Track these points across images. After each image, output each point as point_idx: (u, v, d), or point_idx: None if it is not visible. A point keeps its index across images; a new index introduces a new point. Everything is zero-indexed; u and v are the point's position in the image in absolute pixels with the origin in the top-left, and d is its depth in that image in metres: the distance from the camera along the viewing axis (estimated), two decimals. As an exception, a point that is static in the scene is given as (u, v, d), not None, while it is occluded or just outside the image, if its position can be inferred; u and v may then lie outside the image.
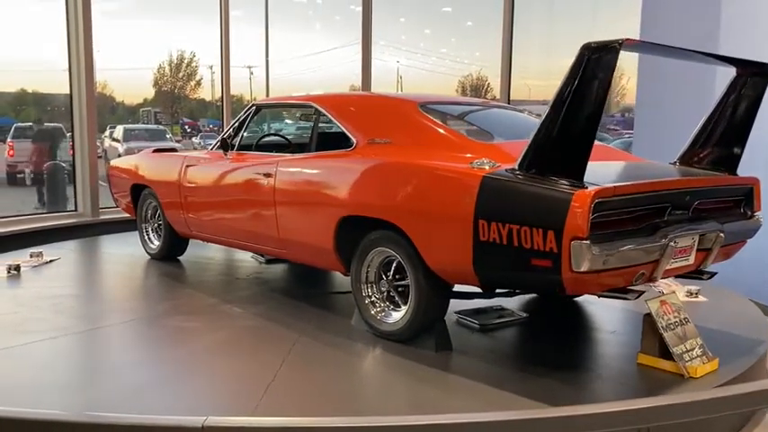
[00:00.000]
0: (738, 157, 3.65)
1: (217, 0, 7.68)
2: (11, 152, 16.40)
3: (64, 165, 9.53)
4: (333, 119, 4.15)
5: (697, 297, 4.54)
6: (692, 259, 3.27)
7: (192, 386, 3.14)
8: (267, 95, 21.39)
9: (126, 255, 5.86)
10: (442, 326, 3.57)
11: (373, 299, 3.73)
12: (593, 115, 2.79)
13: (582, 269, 2.74)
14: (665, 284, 4.50)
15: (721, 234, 3.32)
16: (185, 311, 4.23)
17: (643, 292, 3.10)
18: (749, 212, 3.66)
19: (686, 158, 3.77)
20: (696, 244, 3.24)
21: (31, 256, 5.52)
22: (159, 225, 5.64)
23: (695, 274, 3.55)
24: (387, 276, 3.67)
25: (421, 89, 30.14)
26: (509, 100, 8.36)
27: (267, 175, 4.29)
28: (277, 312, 4.19)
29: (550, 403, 2.84)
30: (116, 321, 4.06)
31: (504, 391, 3.01)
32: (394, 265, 3.60)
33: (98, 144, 20.78)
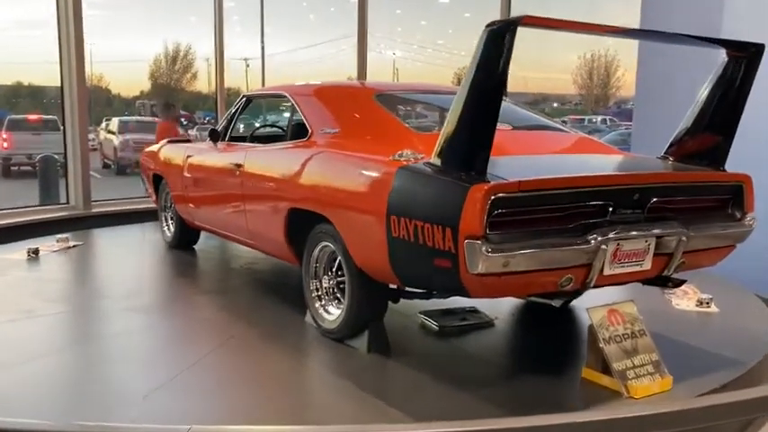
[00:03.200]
0: (726, 150, 3.25)
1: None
2: (4, 144, 16.32)
3: (57, 157, 9.44)
4: (297, 108, 4.11)
5: (709, 307, 4.10)
6: (647, 264, 2.94)
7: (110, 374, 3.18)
8: (263, 87, 21.27)
9: (129, 243, 6.05)
10: (378, 326, 3.37)
11: (319, 294, 3.63)
12: (492, 99, 2.60)
13: (478, 271, 2.52)
14: (681, 291, 4.06)
15: (684, 238, 2.95)
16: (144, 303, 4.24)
17: (571, 297, 2.92)
18: (738, 214, 3.22)
19: (672, 151, 3.42)
20: (652, 248, 2.91)
21: (58, 241, 5.72)
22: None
23: (660, 281, 3.18)
24: (331, 272, 3.56)
25: (415, 80, 29.98)
26: (506, 92, 8.27)
27: (238, 166, 4.31)
28: (240, 305, 4.20)
29: (490, 413, 2.66)
30: (61, 310, 4.13)
31: (440, 398, 2.85)
32: (337, 260, 3.48)
33: (93, 136, 20.71)
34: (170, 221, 5.78)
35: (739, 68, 3.13)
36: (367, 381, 3.04)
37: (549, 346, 3.62)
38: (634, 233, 2.84)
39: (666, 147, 3.43)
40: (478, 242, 2.49)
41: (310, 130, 3.86)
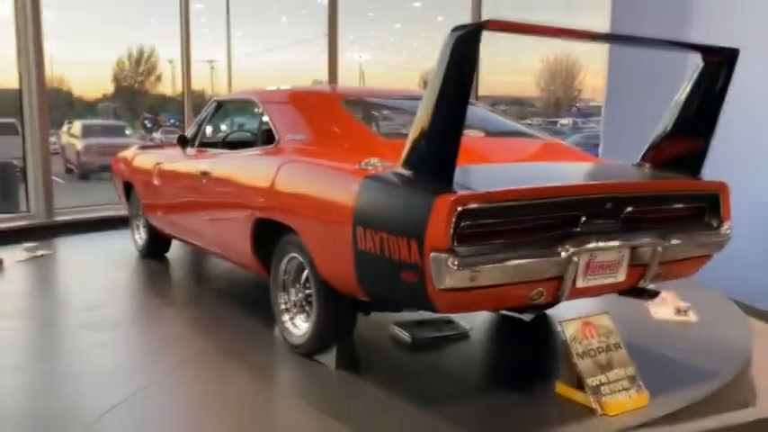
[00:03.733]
0: (702, 157, 3.18)
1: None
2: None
3: (15, 162, 9.14)
4: (265, 114, 4.01)
5: (686, 315, 4.05)
6: (621, 276, 2.87)
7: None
8: (229, 90, 21.04)
9: (96, 253, 5.84)
10: (346, 340, 3.26)
11: (287, 307, 3.49)
12: (458, 105, 2.50)
13: (445, 286, 2.42)
14: (660, 298, 3.89)
15: (659, 248, 2.89)
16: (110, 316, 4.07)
17: (542, 310, 2.85)
18: (714, 222, 3.15)
19: (648, 158, 3.34)
20: (626, 259, 2.85)
21: (25, 250, 5.57)
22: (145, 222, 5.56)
23: (634, 292, 3.10)
24: (299, 284, 3.42)
25: (383, 83, 30.04)
26: (476, 96, 8.27)
27: (204, 173, 4.20)
28: (208, 318, 4.08)
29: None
30: (20, 325, 3.98)
31: (409, 417, 2.76)
32: (305, 272, 3.35)
33: (54, 140, 20.23)
34: (141, 229, 5.62)
35: (715, 73, 3.09)
36: (334, 400, 2.95)
37: (524, 360, 3.52)
38: (607, 244, 2.76)
39: (642, 153, 3.36)
40: (444, 255, 2.39)
41: (278, 137, 3.76)
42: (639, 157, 3.37)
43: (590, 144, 15.42)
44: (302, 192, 3.27)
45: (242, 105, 5.61)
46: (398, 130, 3.78)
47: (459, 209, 2.42)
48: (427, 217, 2.44)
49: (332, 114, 3.69)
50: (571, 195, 2.74)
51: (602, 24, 6.58)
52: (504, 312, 2.84)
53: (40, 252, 5.60)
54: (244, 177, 3.81)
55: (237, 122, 11.21)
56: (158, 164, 5.02)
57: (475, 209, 2.46)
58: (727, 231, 3.17)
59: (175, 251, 5.55)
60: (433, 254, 2.41)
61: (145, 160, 5.33)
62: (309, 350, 3.31)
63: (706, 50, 3.08)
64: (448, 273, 2.39)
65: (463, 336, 3.69)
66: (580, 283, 2.75)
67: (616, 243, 2.79)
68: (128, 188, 5.71)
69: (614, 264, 2.82)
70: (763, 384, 3.51)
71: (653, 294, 3.14)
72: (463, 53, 2.43)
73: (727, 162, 3.92)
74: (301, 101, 4.02)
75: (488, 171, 3.02)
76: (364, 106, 3.95)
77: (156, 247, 5.48)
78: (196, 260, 5.57)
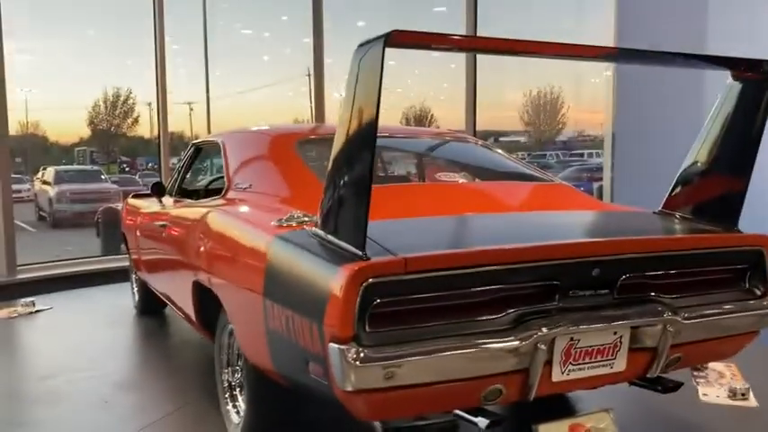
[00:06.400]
0: (738, 203, 2.49)
1: (152, 34, 7.08)
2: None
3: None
4: (222, 158, 3.50)
5: (745, 399, 3.16)
6: (620, 364, 2.20)
7: None
8: (209, 132, 20.64)
9: (91, 311, 5.38)
10: None
11: (232, 388, 2.90)
12: (364, 136, 1.90)
13: (349, 387, 1.81)
14: (714, 371, 3.38)
15: (670, 328, 2.19)
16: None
17: (500, 419, 2.09)
18: (758, 289, 2.44)
19: (671, 205, 2.70)
20: (626, 342, 2.17)
21: (22, 306, 5.39)
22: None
23: (646, 383, 2.46)
24: (239, 363, 2.79)
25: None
26: (474, 132, 7.90)
27: (163, 227, 3.78)
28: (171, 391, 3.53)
29: None
30: None
31: None
32: None
33: (28, 186, 19.56)
34: (135, 284, 5.20)
35: (750, 94, 2.42)
36: None
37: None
38: (592, 324, 2.08)
39: (665, 198, 2.73)
40: (346, 347, 1.78)
41: (226, 185, 3.26)
42: (662, 203, 2.73)
43: (584, 179, 15.22)
44: (220, 252, 2.79)
45: (214, 149, 5.19)
46: (385, 175, 3.39)
47: (368, 281, 1.79)
48: (326, 294, 1.85)
49: (278, 157, 3.11)
50: (537, 260, 2.04)
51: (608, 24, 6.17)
52: (458, 413, 2.13)
53: (36, 308, 5.33)
54: (184, 232, 3.36)
55: (216, 168, 10.71)
56: (139, 214, 4.63)
57: (389, 281, 1.82)
58: None
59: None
60: (331, 344, 1.80)
61: (131, 210, 4.97)
62: None
63: (734, 64, 2.40)
64: (351, 369, 1.77)
65: (451, 425, 2.47)
66: (558, 376, 2.09)
67: (606, 323, 2.11)
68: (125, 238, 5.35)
69: (608, 349, 2.16)
70: None
71: (673, 387, 2.48)
72: (367, 74, 1.89)
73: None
74: (254, 142, 3.48)
75: (435, 227, 2.38)
76: (323, 147, 3.41)
77: (149, 303, 4.95)
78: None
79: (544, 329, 1.99)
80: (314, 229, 2.16)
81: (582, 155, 23.92)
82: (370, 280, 1.80)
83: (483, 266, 1.94)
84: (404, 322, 1.89)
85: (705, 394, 3.29)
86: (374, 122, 1.84)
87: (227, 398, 2.88)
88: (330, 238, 2.03)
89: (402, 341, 1.84)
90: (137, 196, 5.27)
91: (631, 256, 2.21)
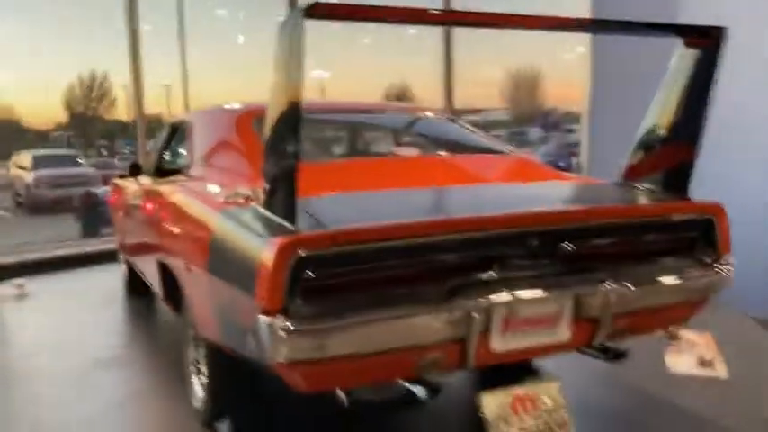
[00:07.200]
0: (688, 171, 2.47)
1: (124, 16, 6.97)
2: None
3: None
4: (188, 136, 3.50)
5: (712, 368, 3.19)
6: (564, 333, 2.18)
7: None
8: (186, 112, 20.36)
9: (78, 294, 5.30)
10: (242, 409, 2.72)
11: (198, 364, 2.90)
12: (291, 111, 1.89)
13: (284, 359, 1.83)
14: (687, 340, 3.36)
15: (613, 296, 2.17)
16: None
17: (438, 387, 2.11)
18: (707, 257, 2.42)
19: (629, 174, 2.67)
20: (568, 310, 2.16)
21: (12, 286, 5.37)
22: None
23: (595, 351, 2.44)
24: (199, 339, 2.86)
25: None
26: (452, 110, 7.91)
27: (135, 206, 3.86)
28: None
29: None
30: None
31: None
32: None
33: (3, 172, 19.28)
34: (123, 264, 5.18)
35: (699, 61, 2.39)
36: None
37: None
38: (529, 293, 2.07)
39: (624, 169, 2.69)
40: (275, 319, 1.80)
41: (190, 162, 3.27)
42: (622, 173, 2.70)
43: (564, 154, 15.30)
44: (174, 228, 2.83)
45: (186, 127, 5.21)
46: (317, 151, 3.30)
47: (296, 256, 1.80)
48: (256, 268, 1.87)
49: (237, 134, 3.06)
50: (467, 232, 2.02)
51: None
52: (404, 383, 2.13)
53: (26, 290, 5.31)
54: (149, 211, 3.41)
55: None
56: (121, 194, 4.63)
57: (322, 254, 1.83)
58: (727, 268, 2.41)
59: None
60: (261, 317, 1.82)
61: (114, 190, 4.98)
62: (206, 418, 2.75)
63: (686, 32, 2.40)
64: (282, 342, 1.79)
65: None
66: (498, 346, 2.09)
67: (543, 292, 2.09)
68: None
69: (550, 318, 2.14)
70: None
71: (619, 355, 2.46)
72: (288, 45, 1.88)
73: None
74: (212, 120, 3.46)
75: (376, 201, 2.35)
76: None
77: (136, 283, 4.87)
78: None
79: (478, 299, 1.99)
80: (254, 204, 2.18)
81: (568, 130, 23.99)
82: (300, 253, 1.81)
83: (412, 239, 1.94)
84: (339, 294, 1.89)
85: (675, 363, 3.29)
86: (298, 96, 1.86)
87: (192, 372, 2.92)
88: (266, 213, 2.05)
89: (336, 313, 1.85)
90: (123, 177, 5.27)
91: (569, 227, 2.19)
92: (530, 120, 32.76)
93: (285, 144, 1.92)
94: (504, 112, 35.30)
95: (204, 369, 2.71)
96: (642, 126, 2.60)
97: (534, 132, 27.04)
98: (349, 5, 1.83)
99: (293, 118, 1.88)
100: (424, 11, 2.08)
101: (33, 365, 3.69)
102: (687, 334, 3.51)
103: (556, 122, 27.45)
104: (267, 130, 2.00)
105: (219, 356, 2.52)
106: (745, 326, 3.88)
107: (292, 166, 1.89)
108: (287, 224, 1.91)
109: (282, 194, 1.95)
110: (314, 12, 1.77)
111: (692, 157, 2.44)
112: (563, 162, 13.79)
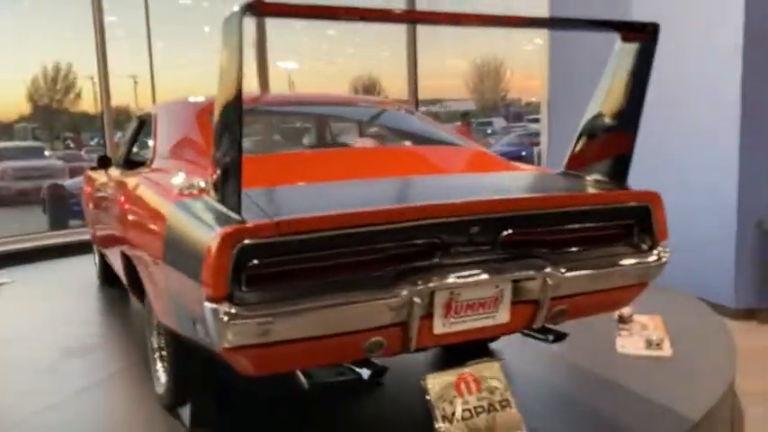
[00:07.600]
0: (626, 161, 2.61)
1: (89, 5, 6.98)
2: None
3: None
4: (152, 128, 3.59)
5: (660, 349, 3.29)
6: (503, 316, 2.27)
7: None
8: (153, 104, 20.20)
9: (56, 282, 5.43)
10: (203, 394, 2.77)
11: (161, 351, 3.00)
12: (233, 103, 1.98)
13: (225, 344, 1.93)
14: (637, 323, 3.51)
15: (550, 281, 2.28)
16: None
17: (382, 369, 2.25)
18: (644, 244, 2.55)
19: (572, 164, 2.79)
20: (507, 295, 2.26)
21: None
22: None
23: (536, 334, 2.59)
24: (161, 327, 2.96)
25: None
26: (417, 102, 8.07)
27: (102, 198, 3.97)
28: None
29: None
30: None
31: None
32: None
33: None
34: (96, 255, 5.25)
35: (635, 56, 2.53)
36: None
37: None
38: (469, 278, 2.16)
39: (566, 159, 2.82)
40: (218, 305, 1.89)
41: (153, 154, 3.36)
42: (565, 163, 2.82)
43: (526, 144, 15.50)
44: (133, 218, 2.96)
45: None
46: (272, 145, 3.43)
47: (242, 243, 1.89)
48: (202, 257, 1.96)
49: (193, 128, 3.16)
50: (408, 220, 2.10)
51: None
52: (348, 366, 2.29)
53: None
54: (113, 202, 3.52)
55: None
56: (91, 186, 4.72)
57: (266, 243, 1.92)
58: (663, 255, 2.54)
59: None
60: (205, 303, 1.91)
61: (87, 182, 5.03)
62: (168, 403, 2.84)
63: (623, 27, 2.54)
64: (223, 327, 1.88)
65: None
66: (440, 329, 2.18)
67: (483, 276, 2.19)
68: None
69: (490, 302, 2.23)
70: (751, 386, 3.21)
71: (558, 337, 2.61)
72: (231, 41, 1.96)
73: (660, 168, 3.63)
74: (174, 113, 3.55)
75: (323, 192, 2.45)
76: (252, 116, 3.42)
77: (107, 273, 4.95)
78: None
79: (419, 284, 2.09)
80: (206, 196, 2.28)
81: (531, 120, 24.33)
82: (246, 242, 1.89)
83: (354, 228, 2.02)
84: (284, 282, 1.98)
85: (623, 346, 3.42)
86: (239, 90, 1.94)
87: (156, 360, 3.02)
88: (215, 204, 2.15)
89: (280, 300, 1.94)
90: (95, 168, 5.36)
91: (508, 215, 2.28)
92: (494, 110, 33.09)
93: (229, 136, 2.01)
94: (469, 102, 35.53)
95: (166, 356, 2.82)
96: (584, 118, 2.73)
97: (497, 123, 27.31)
98: (289, 5, 1.89)
99: (234, 110, 1.97)
100: (367, 9, 2.12)
101: (3, 356, 3.72)
102: (638, 317, 3.70)
103: (518, 113, 27.80)
104: (214, 122, 2.09)
105: (179, 343, 2.60)
106: (697, 309, 4.07)
107: (236, 157, 1.98)
108: (233, 214, 2.00)
109: (228, 185, 2.04)
110: (254, 9, 1.86)
111: (630, 146, 2.58)
112: (524, 152, 14.02)
